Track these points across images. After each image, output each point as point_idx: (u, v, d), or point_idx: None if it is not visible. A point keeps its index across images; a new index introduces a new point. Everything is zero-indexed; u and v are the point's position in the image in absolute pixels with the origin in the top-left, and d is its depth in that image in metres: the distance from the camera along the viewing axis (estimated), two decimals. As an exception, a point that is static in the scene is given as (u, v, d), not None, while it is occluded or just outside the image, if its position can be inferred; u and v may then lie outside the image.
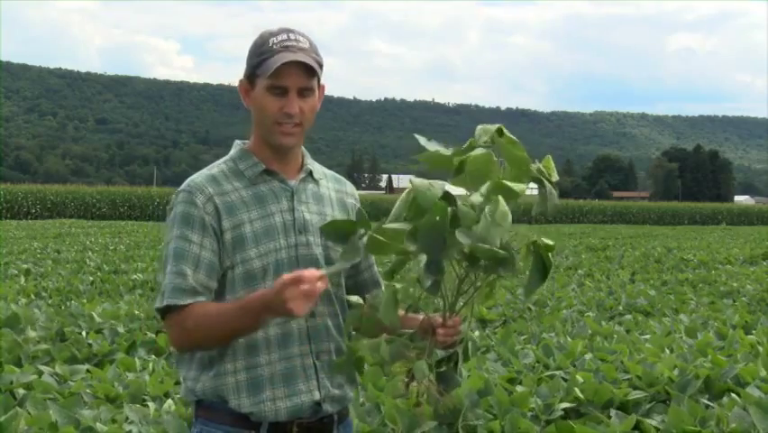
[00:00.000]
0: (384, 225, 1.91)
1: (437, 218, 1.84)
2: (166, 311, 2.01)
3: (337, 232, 1.99)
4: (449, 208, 1.86)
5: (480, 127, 1.95)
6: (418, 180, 1.88)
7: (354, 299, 2.08)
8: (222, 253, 2.05)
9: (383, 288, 2.01)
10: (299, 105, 2.06)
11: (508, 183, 1.87)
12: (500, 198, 1.84)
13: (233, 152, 2.18)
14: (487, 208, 1.83)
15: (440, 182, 1.88)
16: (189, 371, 2.09)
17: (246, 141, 2.21)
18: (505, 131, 1.92)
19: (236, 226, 2.05)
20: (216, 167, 2.15)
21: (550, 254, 1.93)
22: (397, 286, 1.94)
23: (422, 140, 1.96)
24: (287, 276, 1.83)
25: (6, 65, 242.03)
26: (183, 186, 2.11)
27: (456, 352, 2.04)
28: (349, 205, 2.25)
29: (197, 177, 2.12)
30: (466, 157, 1.91)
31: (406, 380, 1.96)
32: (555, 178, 1.95)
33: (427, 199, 1.84)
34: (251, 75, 2.10)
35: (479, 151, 1.90)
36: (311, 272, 1.84)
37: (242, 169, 2.13)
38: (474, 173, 1.90)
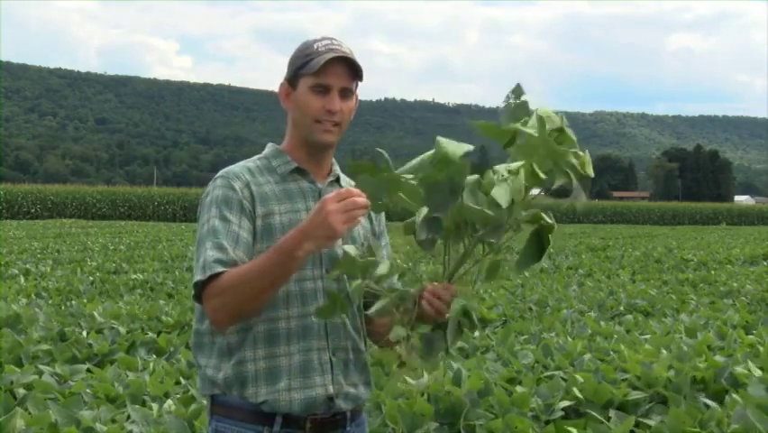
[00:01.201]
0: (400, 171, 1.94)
1: (450, 176, 1.85)
2: (206, 284, 2.01)
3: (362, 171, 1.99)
4: (472, 176, 1.86)
5: (544, 114, 1.89)
6: (444, 138, 1.90)
7: (351, 249, 2.06)
8: (255, 237, 2.10)
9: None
10: (340, 105, 2.15)
11: (536, 168, 1.87)
12: (521, 174, 1.86)
13: (266, 150, 2.26)
14: (509, 179, 1.85)
15: (465, 145, 1.89)
16: (210, 358, 2.12)
17: (274, 144, 2.27)
18: (566, 129, 1.91)
19: (267, 215, 2.12)
20: (251, 162, 2.23)
21: (550, 236, 1.94)
22: (392, 294, 1.95)
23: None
24: (329, 195, 1.91)
25: (6, 65, 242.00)
26: (220, 173, 2.18)
27: (446, 320, 1.99)
28: (371, 212, 2.30)
29: (234, 167, 2.20)
30: (520, 131, 1.88)
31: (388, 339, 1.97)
32: (590, 174, 1.94)
33: (448, 152, 1.86)
34: (294, 76, 2.17)
35: (532, 130, 1.87)
36: (355, 190, 1.91)
37: (274, 166, 2.21)
38: (521, 150, 1.90)
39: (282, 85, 2.21)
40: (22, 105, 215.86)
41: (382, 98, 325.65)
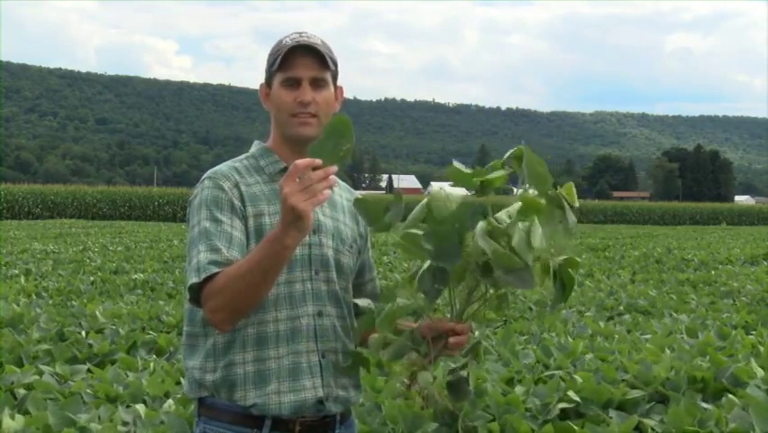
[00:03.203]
0: (405, 231, 1.93)
1: (455, 226, 1.85)
2: (202, 287, 1.96)
3: (368, 209, 2.00)
4: (477, 220, 1.87)
5: (509, 153, 1.96)
6: (436, 190, 1.90)
7: (365, 303, 2.09)
8: (247, 237, 2.06)
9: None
10: (313, 95, 2.10)
11: (535, 198, 1.87)
12: (536, 219, 1.86)
13: (253, 149, 2.22)
14: (521, 224, 1.84)
15: (458, 194, 1.90)
16: (198, 360, 2.09)
17: (263, 142, 2.24)
18: (527, 150, 1.92)
19: (258, 216, 2.08)
20: (238, 162, 2.18)
21: (571, 270, 1.94)
22: (399, 301, 1.95)
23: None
24: (283, 178, 1.83)
25: (6, 65, 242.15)
26: (208, 174, 2.13)
27: (467, 363, 2.05)
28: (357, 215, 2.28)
29: (221, 167, 2.15)
30: (486, 178, 1.93)
31: (407, 382, 1.97)
32: (575, 204, 1.94)
33: (441, 211, 1.87)
34: (269, 76, 2.15)
35: (498, 173, 1.92)
36: (302, 161, 1.82)
37: (262, 165, 2.17)
38: (489, 190, 1.95)
39: (261, 86, 2.19)
40: (22, 105, 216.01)
41: (382, 98, 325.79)
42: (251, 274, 1.90)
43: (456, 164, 1.97)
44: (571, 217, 1.92)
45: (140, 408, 4.20)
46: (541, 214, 1.88)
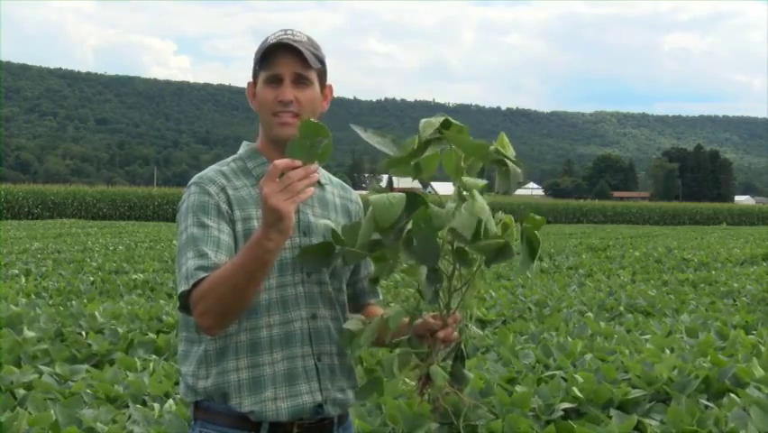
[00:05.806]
0: (358, 241, 1.92)
1: (425, 227, 1.84)
2: (191, 293, 1.94)
3: (315, 257, 2.01)
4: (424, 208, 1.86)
5: (424, 121, 1.92)
6: (376, 198, 1.86)
7: (353, 325, 2.07)
8: (235, 241, 2.03)
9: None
10: (294, 93, 2.06)
11: (468, 180, 1.86)
12: (475, 192, 1.83)
13: (241, 150, 2.18)
14: (464, 205, 1.82)
15: (398, 195, 1.87)
16: (190, 366, 2.07)
17: (252, 143, 2.21)
18: (451, 120, 1.89)
19: (246, 219, 2.05)
20: (226, 165, 2.15)
21: (537, 232, 1.93)
22: (390, 313, 1.94)
23: (361, 133, 1.95)
24: (263, 179, 1.81)
25: (6, 65, 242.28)
26: (194, 179, 2.10)
27: (460, 349, 2.04)
28: (352, 210, 2.26)
29: (207, 171, 2.12)
30: (420, 159, 1.91)
31: (419, 386, 1.96)
32: (512, 154, 1.91)
33: (388, 218, 1.85)
34: (254, 74, 2.12)
35: (429, 151, 1.89)
36: (281, 162, 1.80)
37: (250, 167, 2.13)
38: (429, 173, 1.93)
39: (249, 85, 2.15)
40: (22, 105, 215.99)
41: (382, 98, 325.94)
42: (236, 277, 1.87)
43: (365, 136, 1.94)
44: (518, 171, 1.90)
45: (149, 407, 4.21)
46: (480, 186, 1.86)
